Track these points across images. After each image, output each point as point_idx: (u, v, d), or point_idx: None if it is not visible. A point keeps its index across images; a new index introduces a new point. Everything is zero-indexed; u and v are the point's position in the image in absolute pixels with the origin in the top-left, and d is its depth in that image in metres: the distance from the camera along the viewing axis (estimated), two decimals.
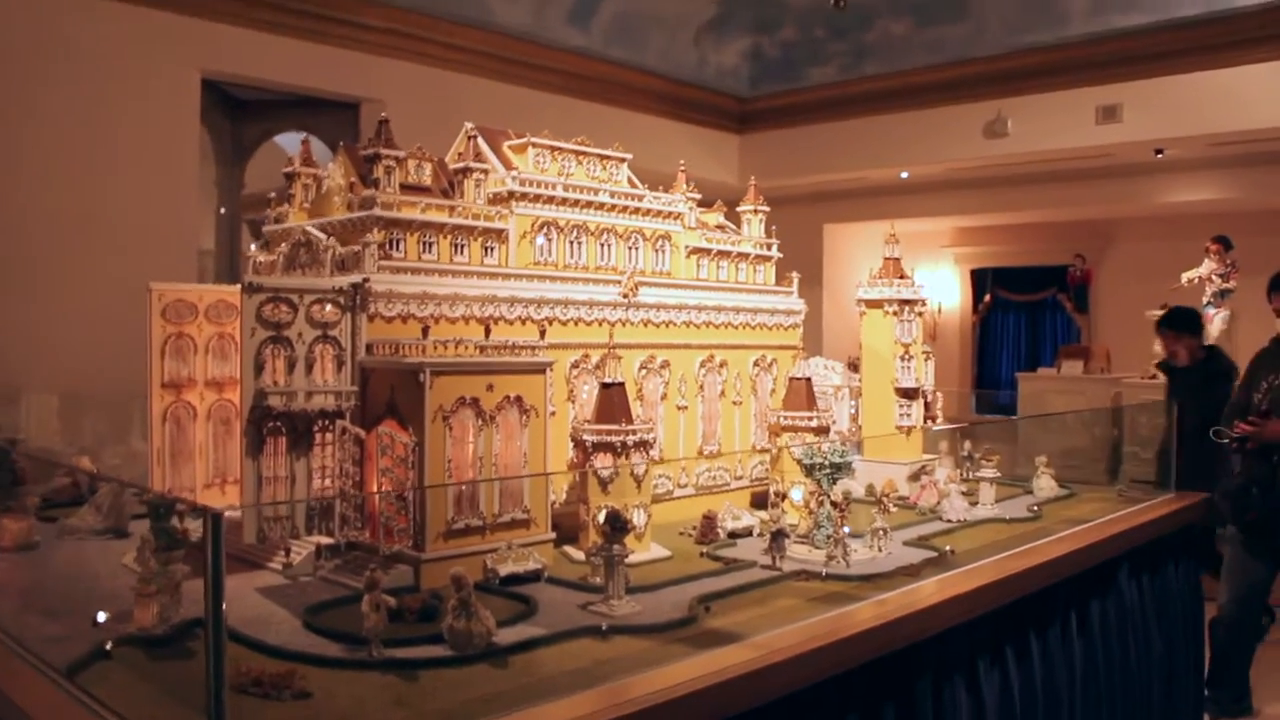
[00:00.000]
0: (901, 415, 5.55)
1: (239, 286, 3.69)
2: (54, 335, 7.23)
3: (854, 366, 5.79)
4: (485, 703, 2.39)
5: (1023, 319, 16.40)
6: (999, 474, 5.06)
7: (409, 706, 2.39)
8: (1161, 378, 8.96)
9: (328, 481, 3.66)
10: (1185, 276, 10.77)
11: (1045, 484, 5.48)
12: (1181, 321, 8.26)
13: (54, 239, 7.50)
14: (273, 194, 4.53)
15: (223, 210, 10.92)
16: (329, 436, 3.65)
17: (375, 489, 3.54)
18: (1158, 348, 11.04)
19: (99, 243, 7.59)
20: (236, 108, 10.58)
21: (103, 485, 4.27)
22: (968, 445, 5.64)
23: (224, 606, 1.86)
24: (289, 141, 10.04)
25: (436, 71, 9.89)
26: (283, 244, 4.20)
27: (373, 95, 9.42)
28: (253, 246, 4.51)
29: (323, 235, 3.95)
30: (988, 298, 16.46)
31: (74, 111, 7.65)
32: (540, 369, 3.80)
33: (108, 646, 2.71)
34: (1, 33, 7.37)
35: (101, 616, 2.97)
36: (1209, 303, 10.66)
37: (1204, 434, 6.23)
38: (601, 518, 3.39)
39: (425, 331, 3.61)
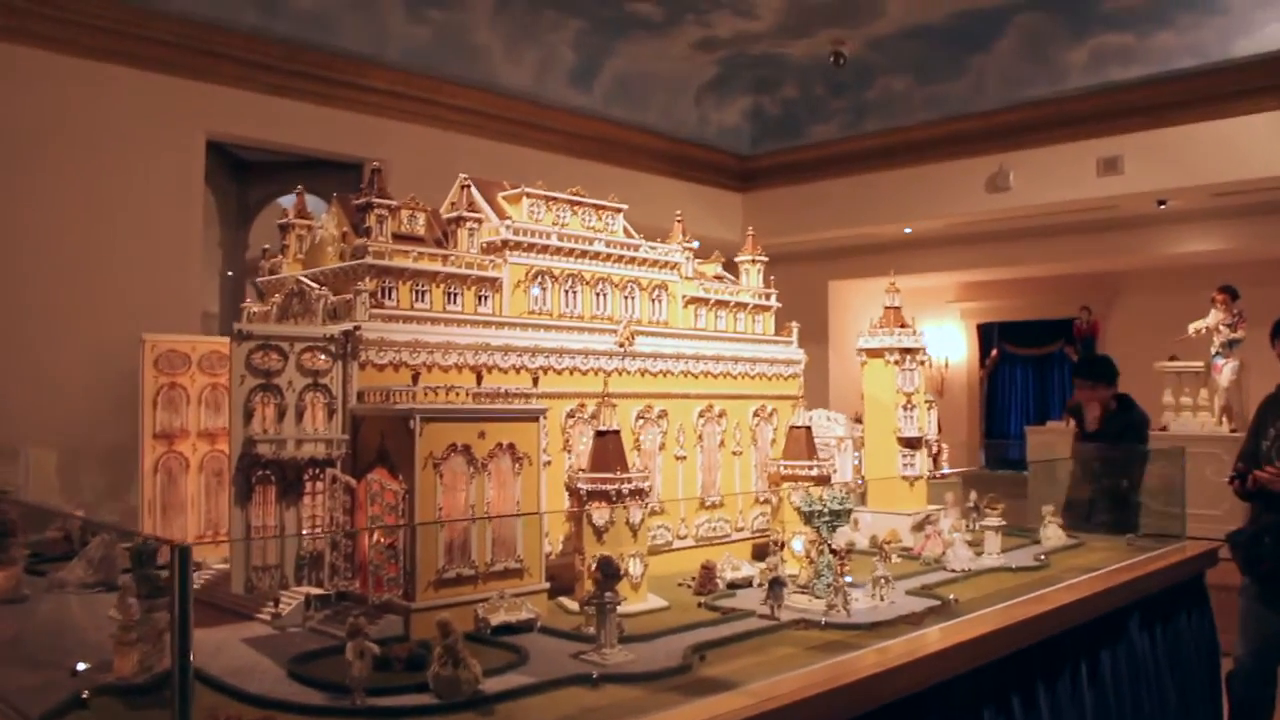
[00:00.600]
0: (905, 465, 5.49)
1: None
2: (56, 394, 7.23)
3: (859, 420, 5.75)
4: None
5: (1030, 372, 16.32)
6: (1004, 523, 4.98)
7: None
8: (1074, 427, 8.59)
9: (318, 530, 3.61)
10: (1192, 327, 10.73)
11: (1052, 533, 5.40)
12: (1097, 370, 8.01)
13: (58, 299, 7.53)
14: (266, 246, 4.54)
15: (230, 273, 10.98)
16: (319, 485, 3.60)
17: (365, 538, 3.48)
18: (1168, 398, 10.98)
19: (103, 303, 7.61)
20: (242, 170, 10.68)
21: (93, 538, 4.22)
22: (973, 496, 5.56)
23: (190, 643, 1.81)
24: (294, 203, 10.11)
25: (440, 132, 9.98)
26: (276, 294, 4.19)
27: (377, 155, 9.46)
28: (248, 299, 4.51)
29: (315, 285, 3.94)
30: (995, 352, 16.39)
31: (79, 173, 7.72)
32: (533, 416, 3.76)
33: (84, 695, 2.65)
34: (8, 97, 7.46)
35: (81, 666, 2.92)
36: (1217, 353, 10.61)
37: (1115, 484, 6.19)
38: (594, 565, 3.32)
39: (415, 378, 3.57)
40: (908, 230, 13.45)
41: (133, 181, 7.98)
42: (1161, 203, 11.37)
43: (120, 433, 4.70)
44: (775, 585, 3.69)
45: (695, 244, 5.18)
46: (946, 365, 16.43)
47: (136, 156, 8.01)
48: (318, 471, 3.59)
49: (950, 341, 16.67)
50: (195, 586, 3.97)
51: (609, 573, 3.16)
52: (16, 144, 7.48)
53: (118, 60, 7.93)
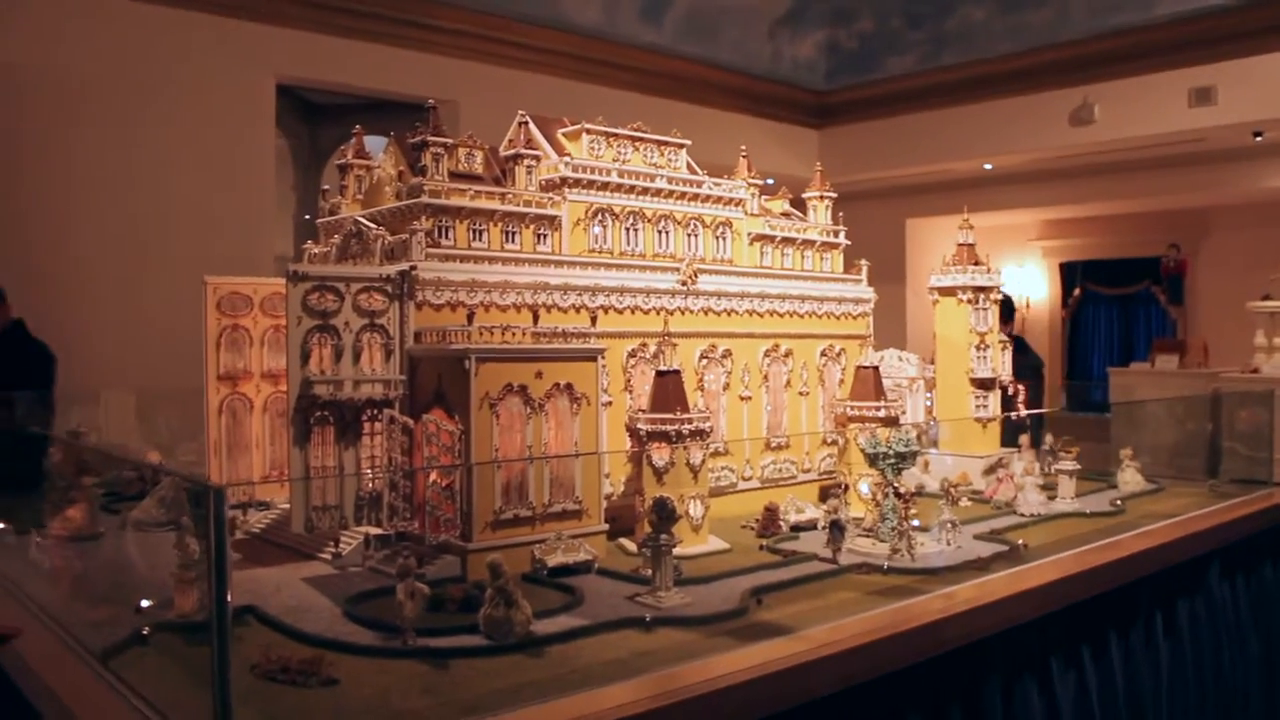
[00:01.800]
0: (977, 406, 5.35)
1: None
2: (133, 339, 7.38)
3: (932, 360, 5.60)
4: (513, 692, 2.30)
5: (1115, 312, 15.86)
6: (1079, 467, 4.82)
7: (435, 695, 2.32)
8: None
9: (376, 471, 3.61)
10: None
11: (1130, 478, 5.22)
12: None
13: (133, 245, 7.66)
14: (326, 187, 4.52)
15: (307, 217, 11.08)
16: (377, 426, 3.60)
17: (422, 478, 3.48)
18: (1260, 339, 10.57)
19: (176, 248, 7.71)
20: (313, 113, 10.73)
21: (164, 478, 4.29)
22: (1048, 438, 5.40)
23: (227, 584, 1.80)
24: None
25: (509, 71, 9.90)
26: (335, 235, 4.18)
27: (446, 96, 9.44)
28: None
29: (373, 225, 3.91)
30: (1078, 291, 15.94)
31: (150, 119, 7.81)
32: (591, 356, 3.71)
33: (145, 632, 2.69)
34: (80, 44, 7.54)
35: (145, 603, 2.96)
36: None
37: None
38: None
39: (470, 318, 3.54)
40: (988, 166, 13.07)
41: (203, 126, 8.05)
42: (1258, 134, 10.85)
43: (193, 375, 4.76)
44: (835, 528, 3.62)
45: (769, 181, 5.05)
46: (1028, 305, 16.04)
47: (206, 101, 8.07)
48: (375, 412, 3.59)
49: (1031, 281, 16.25)
50: (262, 526, 4.04)
51: (664, 514, 3.12)
52: (88, 91, 7.58)
53: (186, 5, 7.97)
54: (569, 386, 3.64)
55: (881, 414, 4.53)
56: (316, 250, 4.33)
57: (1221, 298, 13.11)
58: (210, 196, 8.03)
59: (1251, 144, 11.19)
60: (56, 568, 3.77)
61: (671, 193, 4.52)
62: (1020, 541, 3.88)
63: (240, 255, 7.95)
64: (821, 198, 5.27)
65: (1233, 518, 4.69)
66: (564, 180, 4.20)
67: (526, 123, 4.30)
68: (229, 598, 1.82)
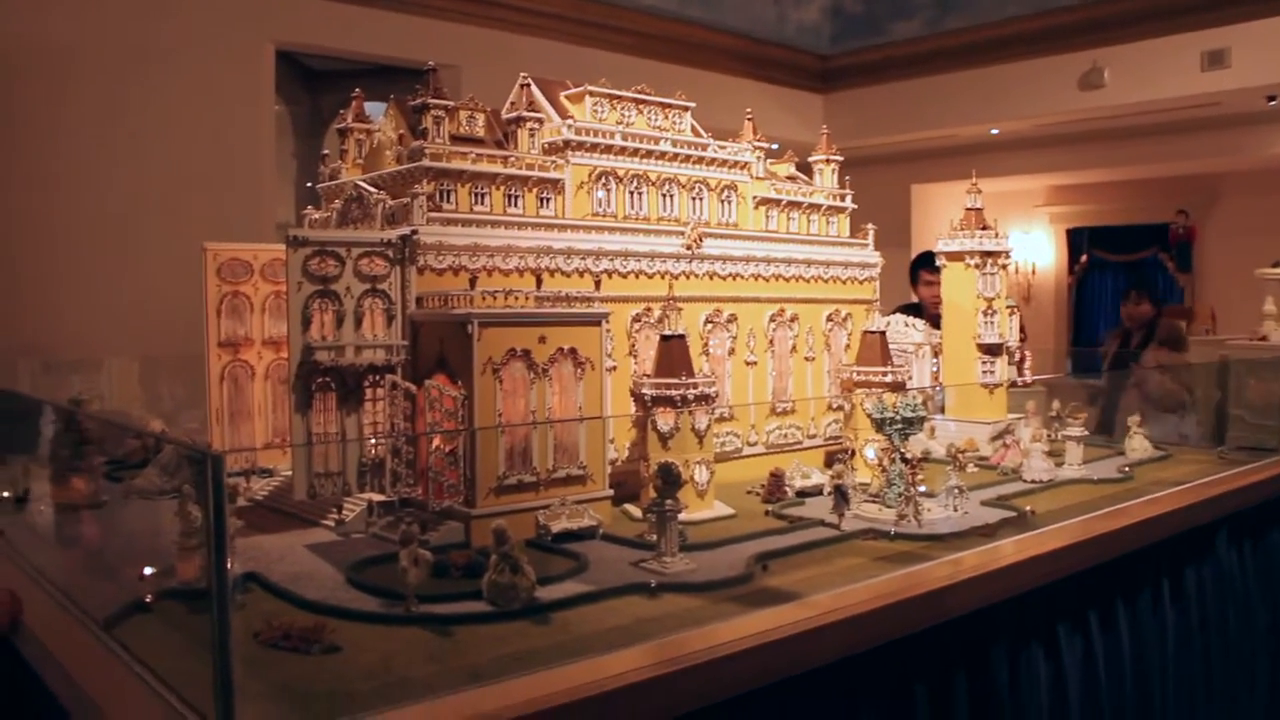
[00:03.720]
0: (984, 373, 5.30)
1: None
2: (136, 306, 7.34)
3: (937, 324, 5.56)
4: (518, 659, 2.28)
5: (1121, 279, 15.77)
6: (1086, 433, 4.78)
7: (439, 662, 2.30)
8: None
9: (379, 437, 3.58)
10: None
11: (1138, 445, 5.18)
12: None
13: (133, 212, 7.61)
14: (326, 152, 4.47)
15: (309, 184, 11.01)
16: (379, 392, 3.57)
17: (425, 444, 3.45)
18: (1269, 306, 10.50)
19: (177, 215, 7.65)
20: (314, 79, 10.64)
21: (166, 446, 4.27)
22: (1055, 405, 5.37)
23: (226, 553, 1.77)
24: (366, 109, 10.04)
25: (510, 35, 9.80)
26: (336, 200, 4.13)
27: (448, 61, 9.34)
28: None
29: (373, 189, 3.86)
30: (1084, 258, 15.87)
31: (148, 85, 7.73)
32: (595, 320, 3.67)
33: (147, 600, 2.67)
34: (77, 11, 7.46)
35: (147, 571, 2.95)
36: None
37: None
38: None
39: (473, 282, 3.50)
40: (994, 131, 12.97)
41: (203, 93, 7.98)
42: (1271, 98, 10.74)
43: (194, 343, 4.73)
44: (840, 494, 3.59)
45: (774, 145, 4.99)
46: (1034, 271, 15.99)
47: (206, 68, 8.00)
48: (377, 378, 3.55)
49: (1038, 247, 16.18)
50: (264, 494, 4.02)
51: (669, 479, 3.09)
52: (86, 57, 7.50)
53: None
54: (573, 351, 3.60)
55: (888, 379, 4.50)
56: (317, 216, 4.29)
57: (1230, 265, 13.03)
58: (210, 163, 7.97)
59: (1265, 108, 11.08)
60: (58, 536, 3.76)
61: (676, 156, 4.47)
62: (1028, 508, 3.85)
63: (241, 222, 7.91)
64: (828, 161, 5.22)
65: (1241, 485, 4.65)
66: (567, 143, 4.14)
67: (529, 85, 4.23)
68: (230, 565, 1.79)
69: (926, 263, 7.63)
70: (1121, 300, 8.23)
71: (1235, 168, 13.50)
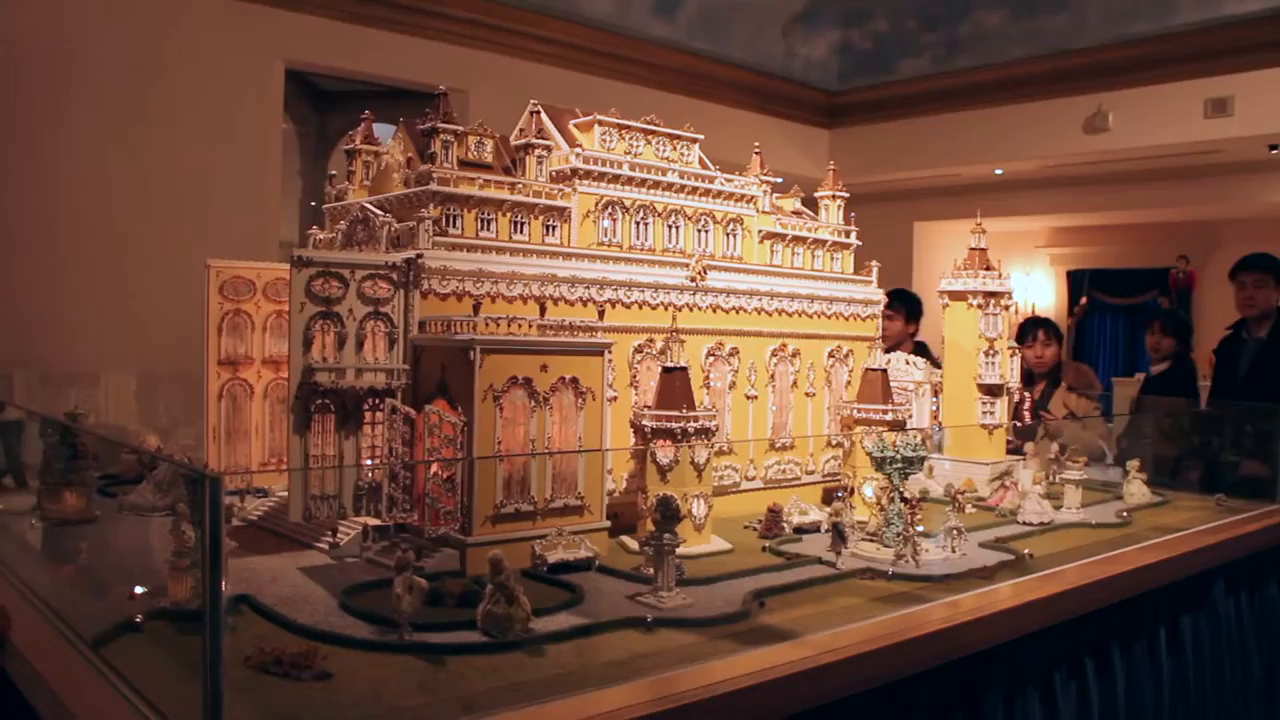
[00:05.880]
0: (984, 413, 5.30)
1: None
2: (136, 321, 7.32)
3: (939, 364, 5.56)
4: (511, 690, 2.25)
5: (1121, 323, 15.82)
6: (1085, 476, 4.77)
7: (431, 692, 2.27)
8: None
9: (377, 461, 3.57)
10: None
11: (1136, 489, 5.16)
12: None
13: (138, 228, 7.60)
14: (333, 173, 4.47)
15: (314, 203, 11.03)
16: (379, 415, 3.55)
17: (423, 470, 3.43)
18: None
19: (182, 232, 7.65)
20: (323, 100, 10.68)
21: (160, 463, 4.25)
22: (1054, 447, 5.35)
23: (221, 575, 1.75)
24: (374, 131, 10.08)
25: (521, 63, 9.84)
26: (342, 221, 4.13)
27: (457, 86, 9.37)
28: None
29: (380, 211, 3.86)
30: (1084, 300, 15.89)
31: (157, 102, 7.75)
32: (598, 350, 3.66)
33: (138, 619, 2.64)
34: (90, 25, 7.49)
35: (138, 589, 2.92)
36: None
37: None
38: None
39: (476, 308, 3.49)
40: (999, 171, 13.02)
41: (211, 110, 7.99)
42: (1274, 147, 10.79)
43: (194, 360, 4.72)
44: (838, 532, 3.57)
45: (779, 180, 5.00)
46: (1034, 311, 15.97)
47: (215, 85, 8.01)
48: (377, 401, 3.54)
49: (1038, 288, 16.20)
50: (259, 514, 3.99)
51: (668, 513, 3.07)
52: (97, 72, 7.53)
53: None
54: (574, 380, 3.59)
55: (889, 417, 4.48)
56: (322, 236, 4.28)
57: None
58: (216, 180, 7.97)
59: (1266, 157, 11.13)
60: (49, 551, 3.73)
61: (683, 187, 4.47)
62: (1026, 551, 3.83)
63: (245, 240, 7.90)
64: (834, 197, 5.22)
65: (1238, 534, 4.63)
66: (574, 172, 4.14)
67: (538, 112, 4.24)
68: (224, 587, 1.77)
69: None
70: (1147, 331, 8.08)
71: (1236, 215, 13.54)
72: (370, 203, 3.98)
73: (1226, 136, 10.31)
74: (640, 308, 4.25)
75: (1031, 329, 7.35)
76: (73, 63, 7.45)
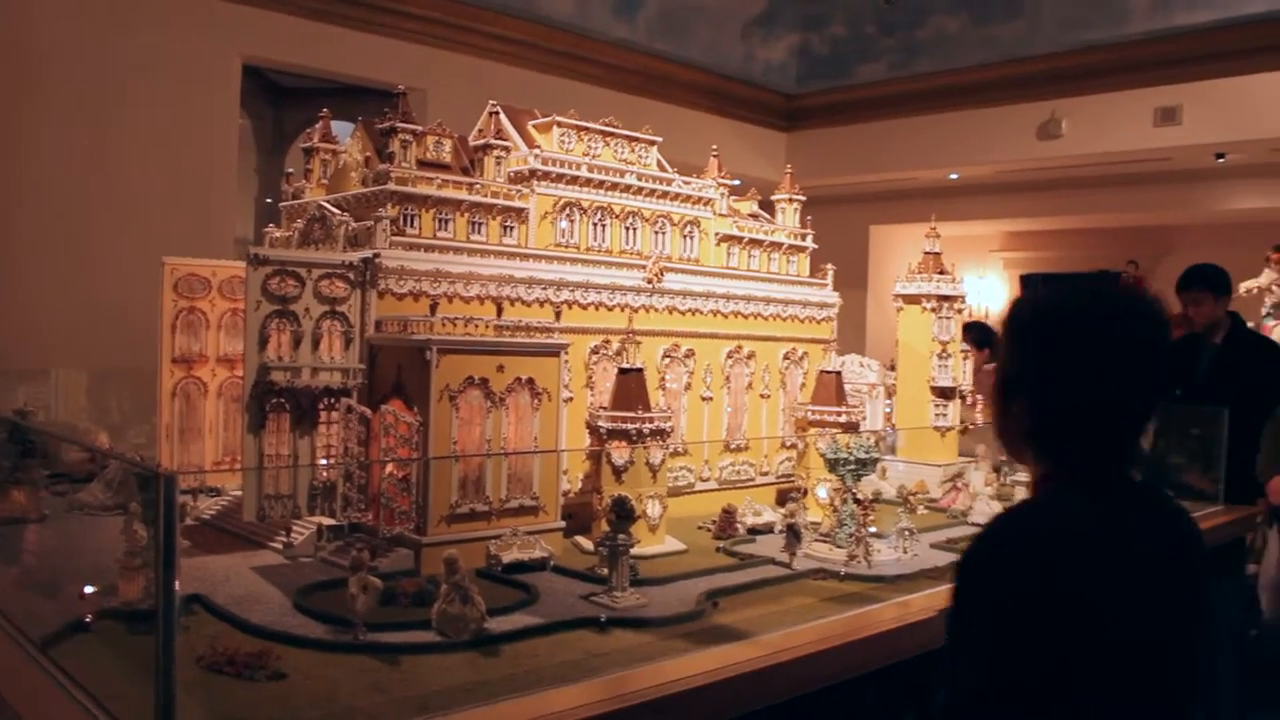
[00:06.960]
0: (937, 415, 5.37)
1: None
2: (87, 318, 7.21)
3: (893, 367, 5.62)
4: (466, 691, 2.26)
5: None
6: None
7: (386, 691, 2.28)
8: None
9: (332, 461, 3.55)
10: (1244, 286, 10.38)
11: None
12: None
13: (90, 223, 7.49)
14: (290, 171, 4.45)
15: (269, 200, 10.93)
16: (334, 415, 3.54)
17: (378, 470, 3.42)
18: None
19: (135, 228, 7.55)
20: (279, 95, 10.58)
21: (112, 461, 4.21)
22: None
23: (175, 574, 1.75)
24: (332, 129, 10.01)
25: (479, 61, 9.80)
26: (299, 220, 4.11)
27: (415, 84, 9.32)
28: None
29: (337, 210, 3.85)
30: None
31: (112, 96, 7.63)
32: (554, 351, 3.68)
33: (87, 620, 2.62)
34: (44, 21, 7.38)
35: (88, 589, 2.89)
36: (1268, 314, 10.29)
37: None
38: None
39: (433, 308, 3.49)
40: (954, 176, 13.15)
41: (166, 105, 7.88)
42: (1220, 156, 11.00)
43: (147, 357, 4.67)
44: (792, 533, 3.60)
45: (736, 182, 5.03)
46: (987, 315, 16.16)
47: (170, 79, 7.91)
48: (333, 401, 3.53)
49: (992, 292, 16.38)
50: (212, 513, 3.96)
51: (622, 513, 3.09)
52: (49, 66, 7.41)
53: None
54: (530, 381, 3.61)
55: (842, 419, 4.53)
56: (278, 234, 4.26)
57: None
58: (170, 176, 7.87)
59: (1214, 165, 11.34)
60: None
61: (640, 189, 4.49)
62: None
63: (200, 237, 7.81)
64: (790, 200, 5.26)
65: None
66: (533, 173, 4.15)
67: (497, 113, 4.25)
68: (176, 587, 1.77)
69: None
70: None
71: (1186, 221, 13.77)
72: (328, 201, 3.96)
73: (1175, 144, 10.49)
74: (597, 309, 4.27)
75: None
76: (31, 58, 7.33)
